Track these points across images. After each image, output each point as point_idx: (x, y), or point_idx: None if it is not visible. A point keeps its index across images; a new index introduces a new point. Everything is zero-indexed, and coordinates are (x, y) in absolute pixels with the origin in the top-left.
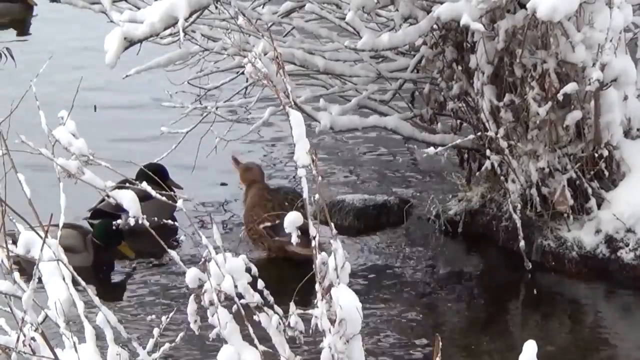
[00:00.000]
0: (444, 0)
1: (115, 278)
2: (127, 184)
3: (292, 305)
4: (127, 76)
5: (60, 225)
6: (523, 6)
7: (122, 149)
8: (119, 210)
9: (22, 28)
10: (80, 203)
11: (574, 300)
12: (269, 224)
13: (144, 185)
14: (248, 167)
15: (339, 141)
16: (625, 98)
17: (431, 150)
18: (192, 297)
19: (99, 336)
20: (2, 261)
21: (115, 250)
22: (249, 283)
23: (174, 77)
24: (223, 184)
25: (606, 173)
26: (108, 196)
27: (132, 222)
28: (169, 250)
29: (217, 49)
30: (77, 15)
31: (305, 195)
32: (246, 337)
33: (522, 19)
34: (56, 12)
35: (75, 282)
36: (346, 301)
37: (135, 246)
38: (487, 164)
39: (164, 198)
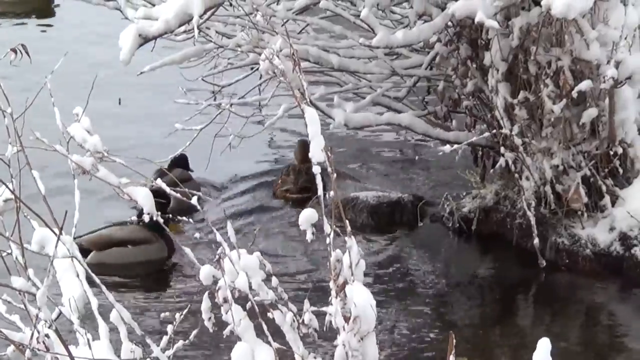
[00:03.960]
0: None
1: (129, 274)
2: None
3: (306, 302)
4: (141, 73)
5: (75, 221)
6: (538, 3)
7: (136, 145)
8: (158, 196)
9: (44, 18)
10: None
11: (588, 298)
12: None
13: (158, 181)
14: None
15: (353, 138)
16: None
17: (446, 147)
18: (206, 294)
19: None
20: (16, 258)
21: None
22: (263, 280)
23: (188, 74)
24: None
25: (620, 170)
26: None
27: (146, 218)
28: (183, 248)
29: (231, 45)
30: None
31: (319, 192)
32: (260, 334)
33: (536, 16)
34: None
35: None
36: (361, 298)
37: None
38: (501, 161)
39: (179, 195)
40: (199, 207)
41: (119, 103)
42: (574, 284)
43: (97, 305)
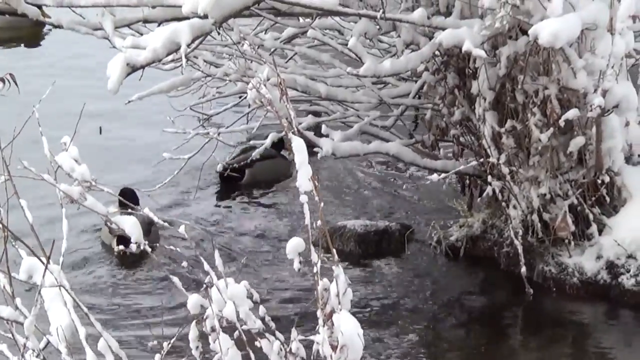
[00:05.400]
0: (446, 26)
1: (117, 303)
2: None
3: (293, 331)
4: (129, 102)
5: (63, 250)
6: (525, 32)
7: (124, 173)
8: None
9: (33, 46)
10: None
11: (575, 326)
12: None
13: (146, 211)
14: None
15: (341, 167)
16: (627, 124)
17: (434, 176)
18: (193, 323)
19: None
20: (4, 287)
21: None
22: (250, 309)
23: (176, 102)
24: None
25: (607, 199)
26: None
27: (133, 247)
28: (171, 276)
29: (219, 74)
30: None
31: (307, 221)
32: None
33: (523, 45)
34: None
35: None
36: (348, 327)
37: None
38: (489, 190)
39: (165, 224)
40: (186, 236)
41: (100, 132)
42: (561, 312)
43: (84, 334)
